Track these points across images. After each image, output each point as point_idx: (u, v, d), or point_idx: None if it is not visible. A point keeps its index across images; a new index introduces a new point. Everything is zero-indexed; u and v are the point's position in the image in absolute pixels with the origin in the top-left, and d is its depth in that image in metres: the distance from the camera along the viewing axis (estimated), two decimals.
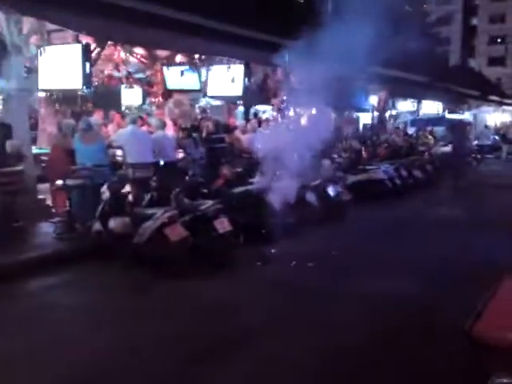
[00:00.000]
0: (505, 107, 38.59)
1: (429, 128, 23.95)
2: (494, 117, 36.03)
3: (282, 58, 12.84)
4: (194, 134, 12.35)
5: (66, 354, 5.07)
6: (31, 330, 5.61)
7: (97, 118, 12.16)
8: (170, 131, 12.48)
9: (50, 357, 5.01)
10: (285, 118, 16.73)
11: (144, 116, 14.22)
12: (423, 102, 26.83)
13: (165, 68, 14.13)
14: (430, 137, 22.53)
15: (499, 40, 62.00)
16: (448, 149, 19.35)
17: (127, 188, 9.28)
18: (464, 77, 32.25)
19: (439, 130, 25.24)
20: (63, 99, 12.14)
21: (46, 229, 8.98)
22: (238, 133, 14.16)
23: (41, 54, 9.96)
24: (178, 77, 14.11)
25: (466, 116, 30.32)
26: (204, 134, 12.98)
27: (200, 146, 12.05)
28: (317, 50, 9.73)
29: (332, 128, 11.64)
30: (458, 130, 18.85)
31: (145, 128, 12.15)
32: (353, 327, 5.75)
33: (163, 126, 11.19)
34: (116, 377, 4.72)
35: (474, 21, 63.78)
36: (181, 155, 11.55)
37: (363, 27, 8.70)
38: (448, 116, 27.99)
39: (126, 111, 14.28)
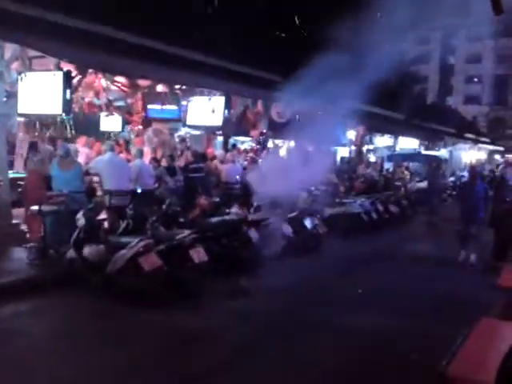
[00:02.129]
0: (480, 145, 39.32)
1: (405, 163, 24.26)
2: (469, 154, 36.65)
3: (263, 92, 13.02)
4: (172, 163, 12.38)
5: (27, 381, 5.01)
6: None
7: (79, 145, 12.21)
8: (147, 159, 12.53)
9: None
10: (264, 149, 16.89)
11: (121, 142, 14.23)
12: (400, 137, 27.20)
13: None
14: (406, 172, 22.82)
15: (476, 79, 63.41)
16: (423, 184, 19.62)
17: (103, 215, 9.24)
18: (441, 114, 32.89)
19: (415, 165, 25.59)
20: (42, 125, 12.15)
21: (20, 254, 8.86)
22: (216, 163, 14.24)
23: (21, 79, 9.96)
24: (158, 106, 14.18)
25: (442, 153, 30.78)
26: (182, 164, 13.03)
27: (179, 174, 12.09)
28: (298, 86, 9.92)
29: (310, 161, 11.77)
30: (434, 166, 19.15)
31: (123, 155, 12.17)
32: (321, 360, 5.76)
33: (141, 154, 11.25)
34: None
35: (452, 60, 65.25)
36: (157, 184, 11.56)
37: (343, 64, 8.90)
38: (424, 152, 28.42)
39: (110, 139, 14.18)
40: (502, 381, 3.34)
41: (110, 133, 14.87)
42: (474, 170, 11.87)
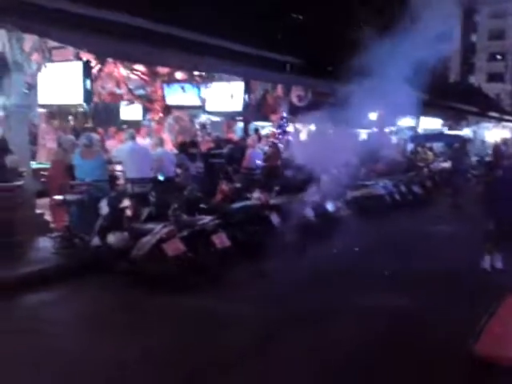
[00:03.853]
0: (504, 123, 38.67)
1: (428, 144, 23.95)
2: (493, 133, 36.07)
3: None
4: (193, 150, 12.39)
5: (57, 368, 5.11)
6: (26, 344, 5.60)
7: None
8: (168, 146, 12.57)
9: (42, 371, 5.06)
10: (284, 134, 16.84)
11: (142, 128, 14.29)
12: (423, 117, 26.87)
13: (165, 85, 14.25)
14: (429, 153, 22.52)
15: (499, 56, 62.32)
16: (447, 165, 19.35)
17: (126, 203, 9.30)
18: (463, 93, 32.40)
19: (438, 145, 25.25)
20: (63, 115, 12.25)
21: (45, 243, 8.99)
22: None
23: (42, 70, 10.04)
24: (178, 93, 14.22)
25: (466, 132, 30.34)
26: (203, 150, 13.06)
27: (198, 161, 12.10)
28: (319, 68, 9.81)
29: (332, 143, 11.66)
30: (457, 146, 18.87)
31: (142, 139, 12.23)
32: (350, 341, 5.77)
33: (162, 143, 11.29)
34: None
35: (474, 38, 64.17)
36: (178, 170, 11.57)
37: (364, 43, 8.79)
38: (447, 132, 28.03)
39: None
40: None
41: (134, 121, 14.97)
42: (498, 148, 11.16)
